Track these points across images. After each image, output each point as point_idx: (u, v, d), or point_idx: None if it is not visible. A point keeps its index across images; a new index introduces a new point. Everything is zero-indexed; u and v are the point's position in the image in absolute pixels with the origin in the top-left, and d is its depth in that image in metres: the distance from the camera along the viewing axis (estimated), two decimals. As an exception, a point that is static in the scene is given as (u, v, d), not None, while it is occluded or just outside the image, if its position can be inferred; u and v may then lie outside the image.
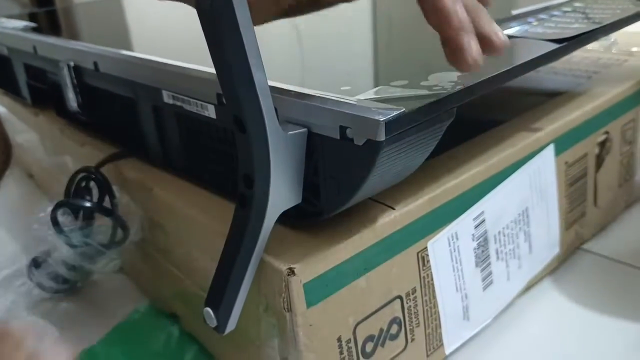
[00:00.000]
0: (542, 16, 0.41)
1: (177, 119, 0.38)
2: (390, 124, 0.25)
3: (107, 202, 0.42)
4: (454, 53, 0.26)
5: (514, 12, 0.42)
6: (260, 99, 0.26)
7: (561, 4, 0.44)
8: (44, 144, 0.63)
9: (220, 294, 0.29)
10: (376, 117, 0.25)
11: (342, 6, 0.35)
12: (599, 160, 0.48)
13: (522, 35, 0.38)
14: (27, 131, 0.67)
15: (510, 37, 0.37)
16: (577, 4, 0.44)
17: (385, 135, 0.25)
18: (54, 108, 0.55)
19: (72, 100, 0.49)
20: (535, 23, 0.39)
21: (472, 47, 0.26)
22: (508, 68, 0.31)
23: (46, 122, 0.58)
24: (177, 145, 0.40)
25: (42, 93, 0.57)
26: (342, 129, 0.26)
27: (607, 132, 0.47)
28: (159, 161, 0.42)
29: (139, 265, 0.48)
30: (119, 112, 0.44)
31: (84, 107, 0.49)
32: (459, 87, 0.28)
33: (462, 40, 0.26)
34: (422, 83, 0.29)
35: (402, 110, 0.25)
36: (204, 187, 0.39)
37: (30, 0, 1.42)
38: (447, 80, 0.29)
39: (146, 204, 0.43)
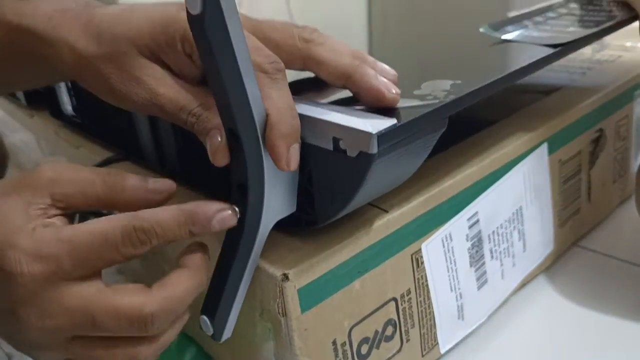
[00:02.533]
0: (537, 19, 0.41)
1: (172, 123, 0.38)
2: (382, 137, 0.25)
3: (103, 206, 0.43)
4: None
5: (510, 14, 0.42)
6: (253, 109, 0.26)
7: (556, 5, 0.44)
8: (39, 144, 0.63)
9: (216, 302, 0.29)
10: (368, 130, 0.25)
11: (337, 17, 0.35)
12: (593, 157, 0.48)
13: (518, 39, 0.37)
14: (22, 131, 0.67)
15: (507, 41, 0.37)
16: (572, 5, 0.44)
17: (378, 148, 0.25)
18: (49, 109, 0.55)
19: (66, 103, 0.49)
20: (531, 26, 0.39)
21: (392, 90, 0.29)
22: (501, 76, 0.31)
23: (41, 124, 0.58)
24: (172, 149, 0.40)
25: (37, 94, 0.56)
26: (335, 140, 0.26)
27: (600, 129, 0.48)
28: (155, 165, 0.42)
29: (137, 268, 0.49)
30: (113, 116, 0.44)
31: (78, 110, 0.49)
32: (451, 97, 0.28)
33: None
34: (415, 92, 0.30)
35: (393, 123, 0.25)
36: (200, 191, 0.39)
37: None
38: (439, 89, 0.29)
39: (142, 208, 0.43)
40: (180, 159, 0.40)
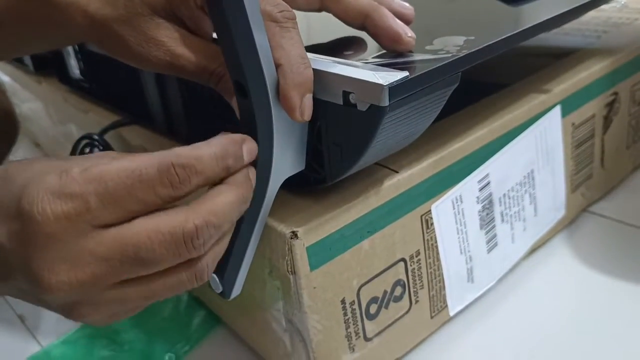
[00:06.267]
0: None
1: (180, 84, 0.38)
2: (393, 89, 0.24)
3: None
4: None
5: None
6: (262, 62, 0.25)
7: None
8: (48, 112, 0.63)
9: (225, 260, 0.29)
10: (380, 82, 0.24)
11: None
12: (607, 122, 0.47)
13: None
14: (32, 100, 0.67)
15: None
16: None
17: (389, 101, 0.24)
18: (57, 75, 0.55)
19: (74, 67, 0.49)
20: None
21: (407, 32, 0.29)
22: (515, 31, 0.30)
23: (50, 90, 0.58)
24: (180, 112, 0.39)
25: (45, 60, 0.56)
26: (345, 95, 0.26)
27: (615, 93, 0.47)
28: (163, 128, 0.42)
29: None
30: (121, 79, 0.44)
31: (86, 74, 0.48)
32: (464, 52, 0.27)
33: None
34: (427, 47, 0.29)
35: (405, 75, 0.25)
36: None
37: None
38: (452, 44, 0.29)
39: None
40: (188, 121, 0.39)
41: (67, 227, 0.22)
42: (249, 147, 0.26)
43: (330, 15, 0.31)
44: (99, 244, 0.22)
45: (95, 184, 0.22)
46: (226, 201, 0.24)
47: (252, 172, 0.26)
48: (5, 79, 0.73)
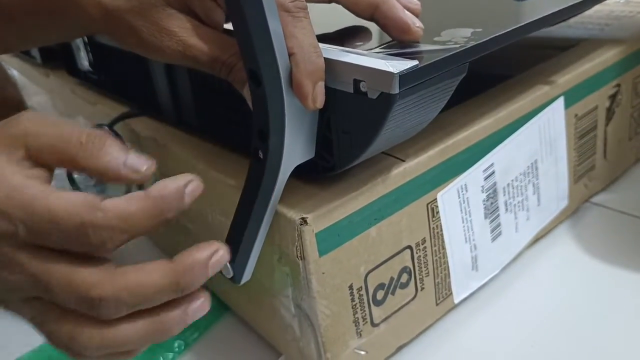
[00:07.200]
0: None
1: (190, 75, 0.38)
2: (404, 77, 0.25)
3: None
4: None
5: None
6: (276, 50, 0.26)
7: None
8: (55, 105, 0.63)
9: (236, 245, 0.30)
10: (390, 70, 0.25)
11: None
12: (610, 113, 0.48)
13: None
14: (39, 93, 0.67)
15: None
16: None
17: (399, 89, 0.25)
18: (65, 67, 0.55)
19: (83, 59, 0.49)
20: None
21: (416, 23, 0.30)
22: (522, 24, 0.31)
23: (57, 83, 0.58)
24: (189, 103, 0.40)
25: (53, 52, 0.57)
26: (356, 83, 0.26)
27: (618, 85, 0.47)
28: (172, 119, 0.43)
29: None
30: (131, 70, 0.45)
31: (95, 66, 0.49)
32: (472, 43, 0.28)
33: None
34: (435, 39, 0.30)
35: (415, 64, 0.25)
36: (217, 144, 0.39)
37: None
38: (460, 35, 0.29)
39: (160, 161, 0.43)
40: (197, 112, 0.40)
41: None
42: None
43: (331, 9, 0.32)
44: (26, 263, 0.23)
45: (25, 211, 0.23)
46: (153, 283, 0.24)
47: (215, 265, 0.25)
48: (13, 72, 0.73)
